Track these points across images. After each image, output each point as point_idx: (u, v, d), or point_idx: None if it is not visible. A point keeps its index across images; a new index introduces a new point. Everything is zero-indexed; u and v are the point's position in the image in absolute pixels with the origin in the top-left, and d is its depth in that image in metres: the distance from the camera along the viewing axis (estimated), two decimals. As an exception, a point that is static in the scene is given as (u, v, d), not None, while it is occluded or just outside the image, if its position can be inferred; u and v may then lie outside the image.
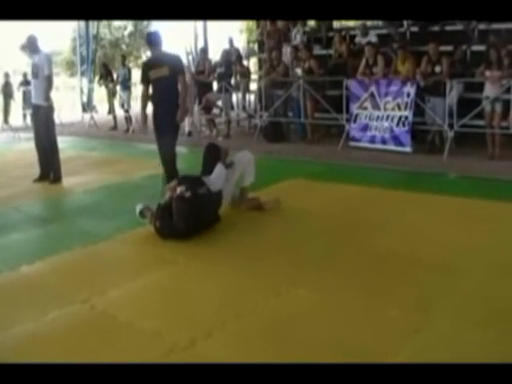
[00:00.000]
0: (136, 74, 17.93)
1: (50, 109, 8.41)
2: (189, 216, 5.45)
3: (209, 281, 4.58)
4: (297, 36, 13.18)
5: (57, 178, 8.54)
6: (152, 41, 7.03)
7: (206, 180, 5.91)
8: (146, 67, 7.01)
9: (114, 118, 15.69)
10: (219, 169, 6.09)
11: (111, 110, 15.72)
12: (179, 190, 5.61)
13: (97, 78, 17.44)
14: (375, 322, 3.74)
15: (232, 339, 3.60)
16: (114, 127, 15.59)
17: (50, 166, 8.54)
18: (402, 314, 3.82)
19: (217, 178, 6.03)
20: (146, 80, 6.96)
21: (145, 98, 7.08)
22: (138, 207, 5.99)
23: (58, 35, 32.29)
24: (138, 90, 15.29)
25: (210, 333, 3.65)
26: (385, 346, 3.42)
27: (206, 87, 13.59)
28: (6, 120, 18.61)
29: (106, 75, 15.75)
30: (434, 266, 4.64)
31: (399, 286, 4.30)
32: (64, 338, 3.71)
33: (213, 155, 6.24)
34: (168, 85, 6.87)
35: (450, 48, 10.24)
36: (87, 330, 3.82)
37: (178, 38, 22.38)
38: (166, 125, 6.88)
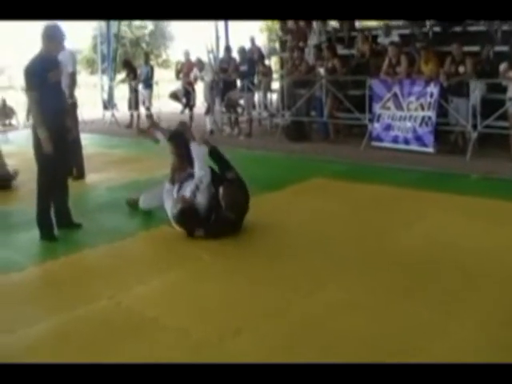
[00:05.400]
0: (158, 73, 18.06)
1: (73, 106, 8.45)
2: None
3: (234, 279, 4.59)
4: (313, 37, 13.11)
5: (80, 175, 8.59)
6: (53, 35, 5.61)
7: (204, 174, 5.68)
8: (42, 69, 5.53)
9: (132, 115, 15.35)
10: (197, 151, 5.79)
11: (132, 107, 15.42)
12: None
13: (122, 75, 17.06)
14: (404, 323, 3.72)
15: (260, 338, 3.61)
16: (130, 125, 15.16)
17: (72, 162, 8.56)
18: (429, 314, 3.81)
19: (205, 162, 5.81)
20: (43, 84, 5.47)
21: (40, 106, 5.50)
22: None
23: (78, 33, 32.53)
24: (159, 88, 15.35)
25: (238, 331, 3.66)
26: (415, 346, 3.42)
27: (230, 85, 13.50)
28: (28, 117, 18.74)
29: (130, 72, 15.32)
30: (457, 267, 4.62)
31: (424, 286, 4.29)
32: (90, 335, 3.73)
33: (183, 144, 5.99)
34: (61, 89, 5.90)
35: (473, 48, 10.13)
36: (113, 326, 3.84)
37: (199, 36, 22.49)
38: (65, 141, 5.82)
